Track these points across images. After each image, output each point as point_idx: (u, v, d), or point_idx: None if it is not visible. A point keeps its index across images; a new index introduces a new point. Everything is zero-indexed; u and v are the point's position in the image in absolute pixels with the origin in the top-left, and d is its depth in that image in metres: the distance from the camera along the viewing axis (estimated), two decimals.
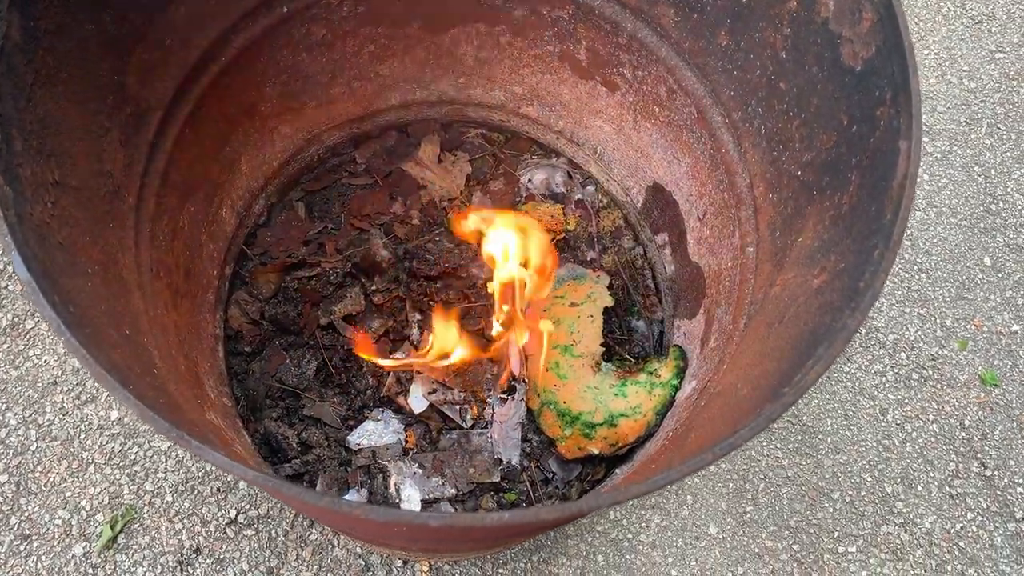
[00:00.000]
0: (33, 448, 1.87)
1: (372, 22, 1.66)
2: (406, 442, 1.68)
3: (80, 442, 1.88)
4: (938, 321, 2.19)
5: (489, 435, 1.69)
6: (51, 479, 1.84)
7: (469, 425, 1.70)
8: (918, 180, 2.43)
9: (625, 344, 1.83)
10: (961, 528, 1.94)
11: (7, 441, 1.87)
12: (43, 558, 1.76)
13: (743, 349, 1.22)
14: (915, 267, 2.28)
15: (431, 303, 1.79)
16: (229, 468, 0.73)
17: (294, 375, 1.71)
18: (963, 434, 2.05)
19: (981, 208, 2.38)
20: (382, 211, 1.90)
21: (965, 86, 2.60)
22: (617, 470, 1.63)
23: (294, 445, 1.64)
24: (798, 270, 1.14)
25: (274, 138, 1.76)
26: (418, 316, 1.78)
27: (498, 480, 1.65)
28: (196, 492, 1.84)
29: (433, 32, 1.72)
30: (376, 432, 1.68)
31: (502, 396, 1.72)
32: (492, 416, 1.71)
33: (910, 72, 0.98)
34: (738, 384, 1.10)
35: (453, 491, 1.63)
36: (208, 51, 1.40)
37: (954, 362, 2.14)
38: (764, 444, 2.00)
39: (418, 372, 1.70)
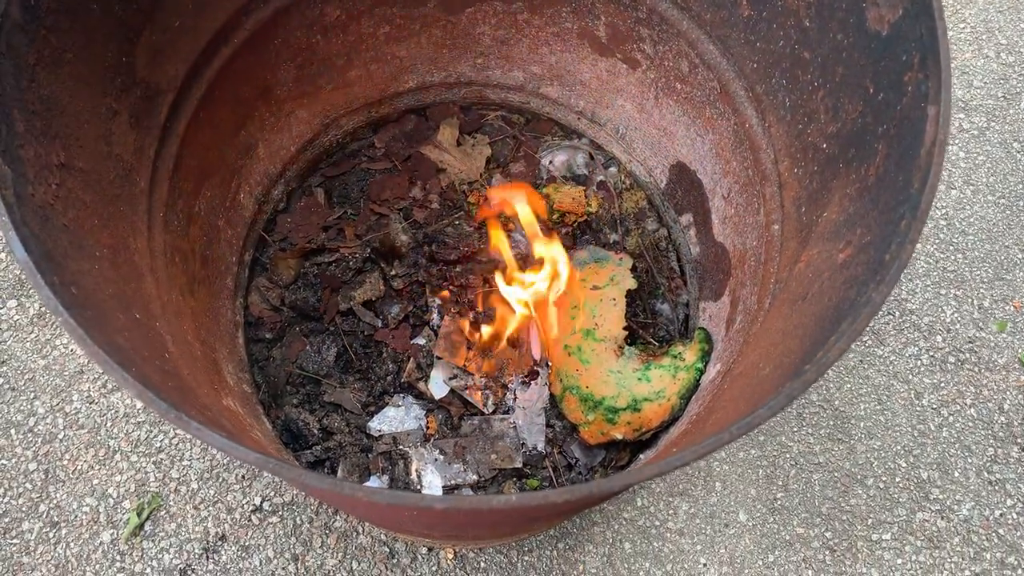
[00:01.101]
0: (61, 436, 1.89)
1: (387, 2, 1.64)
2: (427, 428, 1.67)
3: (107, 430, 1.89)
4: (975, 303, 2.13)
5: (512, 420, 1.68)
6: (78, 467, 1.86)
7: (491, 411, 1.69)
8: (954, 158, 2.36)
9: (649, 327, 1.80)
10: (1000, 515, 1.88)
11: (36, 429, 1.89)
12: (72, 545, 1.78)
13: (766, 328, 1.19)
14: (951, 247, 2.21)
15: (451, 288, 1.78)
16: (222, 446, 0.71)
17: (314, 361, 1.71)
18: (1002, 418, 1.99)
19: (1021, 186, 2.30)
20: (401, 196, 1.89)
21: (1003, 60, 2.51)
22: (641, 455, 1.61)
23: (315, 432, 1.64)
24: (823, 245, 1.10)
25: (291, 122, 1.75)
26: (438, 301, 1.77)
27: (520, 466, 1.64)
28: (221, 480, 1.84)
29: (449, 11, 1.70)
30: (397, 418, 1.67)
31: (524, 380, 1.70)
32: (514, 402, 1.70)
33: (939, 33, 0.93)
34: (760, 364, 1.07)
35: (475, 477, 1.62)
36: (219, 33, 1.39)
37: (992, 344, 2.07)
38: (795, 429, 1.95)
39: (439, 357, 1.70)
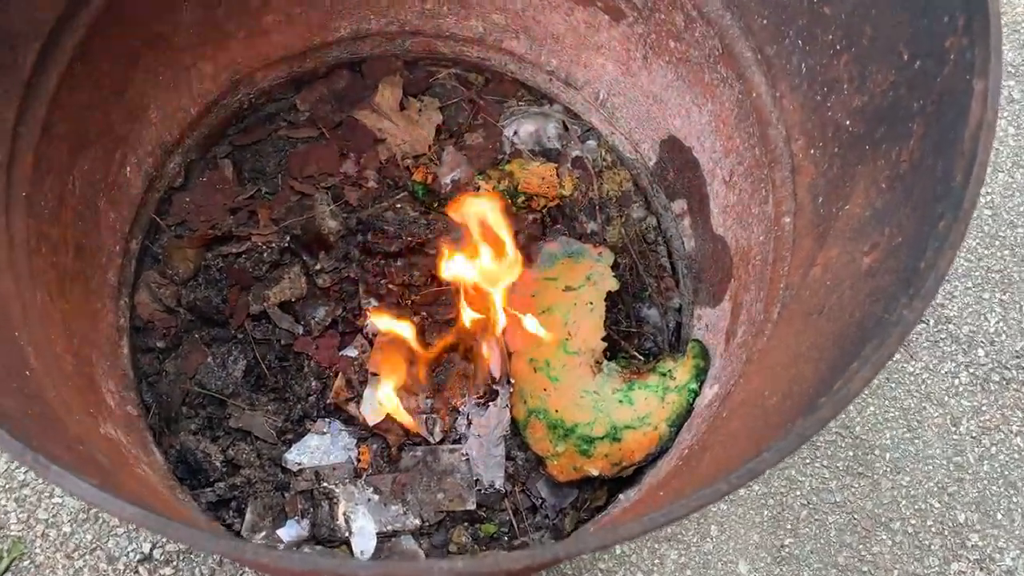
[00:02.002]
0: None
1: None
2: (359, 461, 1.66)
3: None
4: None
5: (464, 451, 1.67)
6: None
7: (438, 439, 1.68)
8: (1001, 134, 2.39)
9: (633, 338, 1.80)
10: None
11: None
12: None
13: (774, 346, 1.20)
14: (996, 242, 2.23)
15: (391, 287, 1.76)
16: (91, 499, 0.69)
17: (218, 377, 1.69)
18: None
19: None
20: (329, 171, 1.88)
21: None
22: (621, 495, 1.61)
23: (217, 465, 1.62)
24: (844, 246, 1.11)
25: (191, 78, 1.72)
26: (374, 302, 1.75)
27: (474, 508, 1.63)
28: (101, 521, 1.81)
29: None
30: (321, 448, 1.66)
31: (480, 402, 1.70)
32: (467, 428, 1.69)
33: None
34: (766, 391, 1.07)
35: (417, 522, 1.61)
36: None
37: None
38: (807, 462, 1.97)
39: (375, 373, 1.69)
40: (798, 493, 1.95)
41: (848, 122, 1.20)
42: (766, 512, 1.92)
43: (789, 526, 1.91)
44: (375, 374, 1.69)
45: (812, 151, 1.30)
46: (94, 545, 1.79)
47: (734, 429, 1.12)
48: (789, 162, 1.38)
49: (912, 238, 0.93)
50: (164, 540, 1.79)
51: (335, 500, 1.62)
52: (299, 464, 1.64)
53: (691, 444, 1.41)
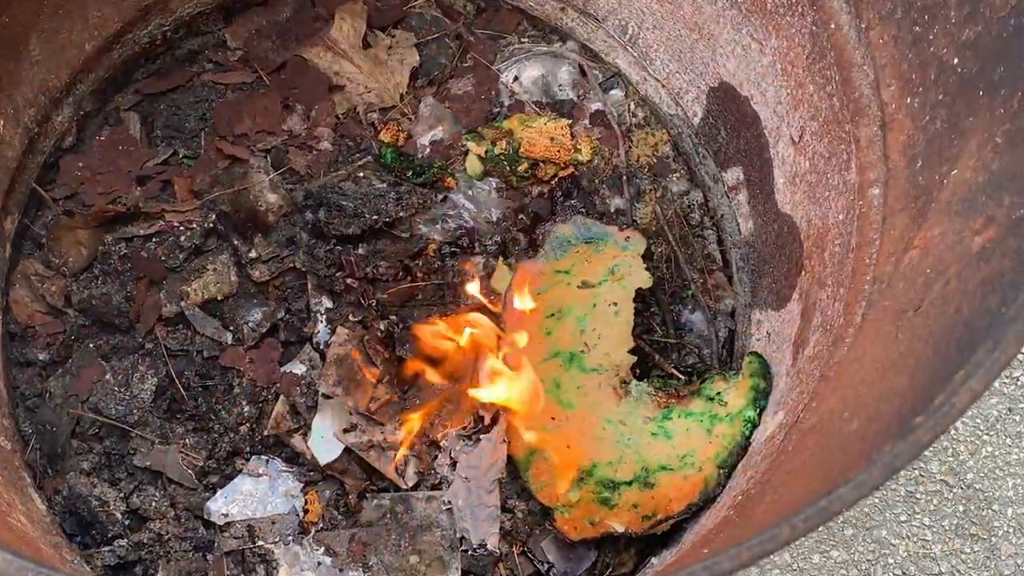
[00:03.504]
0: None
1: None
2: (305, 512, 1.66)
3: None
4: None
5: (446, 500, 1.68)
6: None
7: (411, 484, 1.68)
8: None
9: (671, 351, 1.81)
10: None
11: None
12: None
13: (856, 356, 1.20)
14: None
15: (350, 281, 1.77)
16: None
17: (119, 400, 1.69)
18: None
19: None
20: (269, 128, 1.88)
21: None
22: (655, 559, 1.61)
23: (118, 516, 1.62)
24: (950, 222, 1.11)
25: (86, 4, 1.72)
26: (327, 303, 1.77)
27: (459, 575, 1.64)
28: None
29: None
30: (255, 495, 1.66)
31: (468, 435, 1.71)
32: (450, 470, 1.70)
33: None
34: (845, 413, 1.08)
35: None
36: None
37: None
38: (903, 519, 1.98)
39: (328, 396, 1.69)
40: (891, 561, 1.95)
41: (956, 60, 1.20)
42: None
43: None
44: (328, 396, 1.69)
45: (909, 99, 1.30)
46: None
47: (801, 464, 1.13)
48: (878, 115, 1.37)
49: None
50: None
51: (274, 564, 1.61)
52: (226, 516, 1.64)
53: (747, 489, 1.41)
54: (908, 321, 1.09)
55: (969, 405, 0.81)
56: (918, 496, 2.02)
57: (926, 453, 2.02)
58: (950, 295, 1.03)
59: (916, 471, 2.02)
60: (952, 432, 2.03)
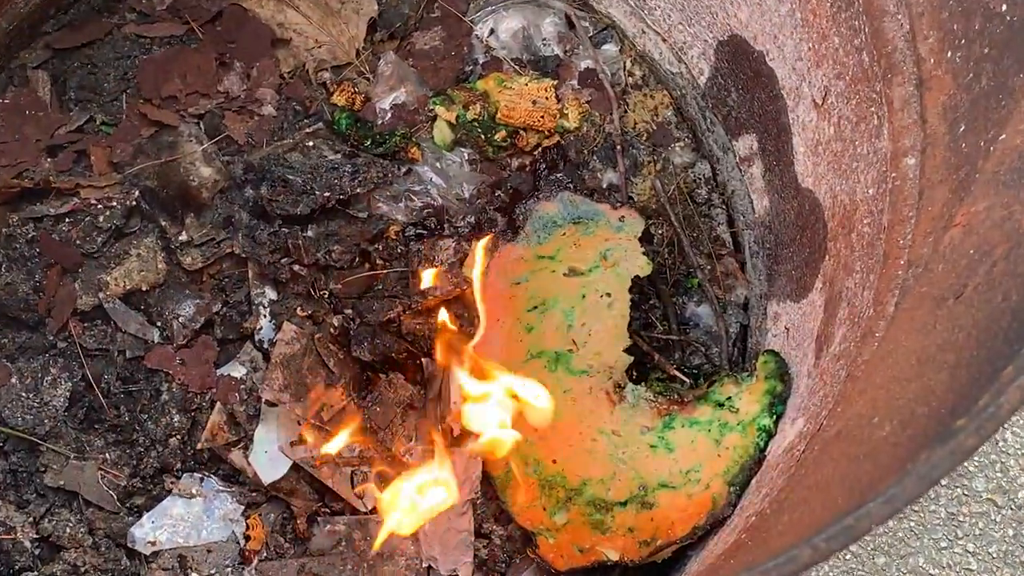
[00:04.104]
0: None
1: None
2: (247, 539, 1.66)
3: None
4: None
5: None
6: None
7: (371, 506, 1.68)
8: None
9: (673, 349, 1.81)
10: None
11: None
12: None
13: (888, 352, 1.19)
14: None
15: (298, 268, 1.77)
16: None
17: (27, 408, 1.68)
18: None
19: None
20: (202, 90, 1.87)
21: None
22: None
23: (26, 545, 1.62)
24: (997, 195, 1.10)
25: None
26: (271, 295, 1.76)
27: None
28: None
29: None
30: (188, 520, 1.66)
31: (431, 449, 1.69)
32: None
33: None
34: (875, 417, 1.07)
35: None
36: None
37: None
38: (943, 546, 1.98)
39: (272, 403, 1.69)
40: None
41: (1004, 7, 1.19)
42: None
43: None
44: (272, 404, 1.69)
45: (949, 54, 1.29)
46: None
47: (824, 478, 1.12)
48: (914, 72, 1.37)
49: None
50: None
51: None
52: (154, 544, 1.64)
53: (761, 509, 1.40)
54: (948, 310, 1.08)
55: (1019, 406, 0.80)
56: (961, 518, 2.03)
57: (970, 468, 2.03)
58: (997, 279, 1.02)
59: (959, 489, 2.03)
60: (1000, 443, 2.04)
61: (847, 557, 1.96)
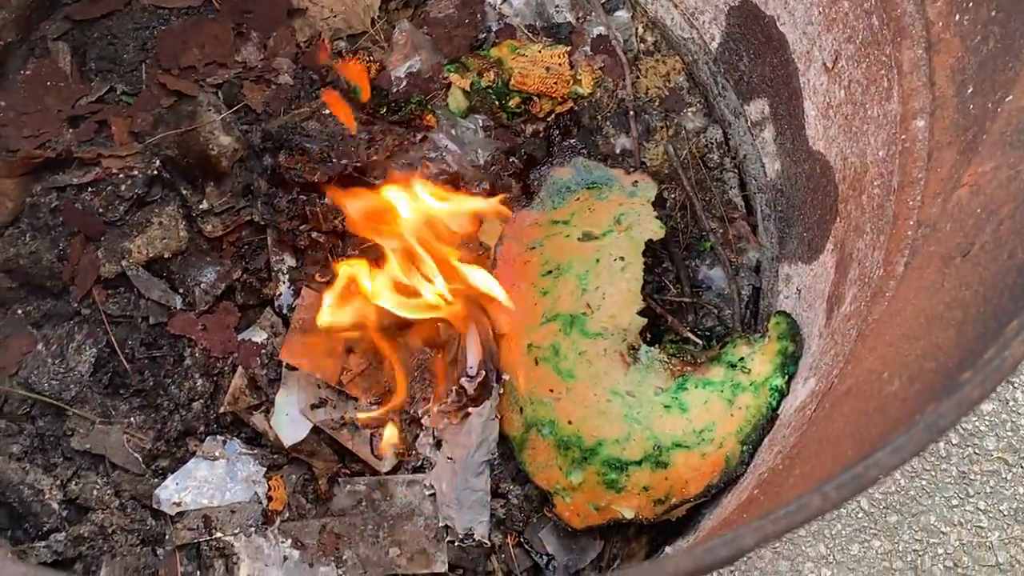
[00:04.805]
0: None
1: None
2: (269, 500, 1.67)
3: None
4: None
5: (428, 485, 1.69)
6: None
7: (390, 467, 1.69)
8: None
9: (687, 312, 1.82)
10: None
11: None
12: None
13: (898, 310, 1.20)
14: None
15: (315, 235, 1.78)
16: None
17: (53, 374, 1.69)
18: None
19: None
20: (220, 60, 1.88)
21: None
22: (668, 548, 1.61)
23: (54, 507, 1.63)
24: (1004, 155, 1.11)
25: None
26: (290, 261, 1.77)
27: (445, 570, 1.64)
28: None
29: None
30: (212, 481, 1.67)
31: (452, 409, 1.71)
32: (434, 450, 1.71)
33: None
34: (884, 373, 1.08)
35: None
36: None
37: None
38: (954, 504, 1.98)
39: (293, 367, 1.70)
40: (940, 551, 1.96)
41: None
42: None
43: None
44: (293, 368, 1.70)
45: (957, 16, 1.30)
46: None
47: (835, 433, 1.13)
48: (923, 35, 1.37)
49: None
50: None
51: (234, 559, 1.63)
52: (178, 505, 1.65)
53: (775, 466, 1.41)
54: (956, 268, 1.09)
55: (1023, 359, 0.82)
56: (972, 477, 2.03)
57: (982, 428, 2.02)
58: (1003, 237, 1.03)
59: (970, 448, 2.02)
60: (1010, 402, 2.04)
61: (859, 515, 1.96)
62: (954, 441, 2.00)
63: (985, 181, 1.15)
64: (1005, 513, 1.99)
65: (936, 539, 1.97)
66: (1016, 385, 2.04)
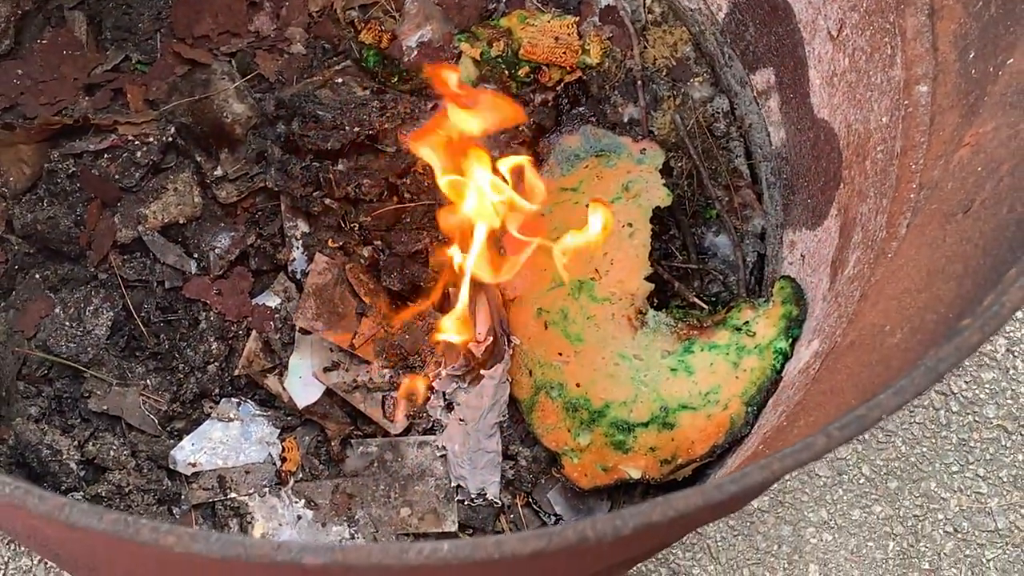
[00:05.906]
0: None
1: None
2: (283, 461, 1.69)
3: None
4: None
5: (440, 446, 1.71)
6: None
7: (401, 429, 1.71)
8: None
9: (693, 277, 1.83)
10: None
11: None
12: None
13: (899, 267, 1.22)
14: None
15: (329, 202, 1.79)
16: None
17: (71, 337, 1.71)
18: None
19: None
20: (234, 29, 1.89)
21: None
22: None
23: (72, 467, 1.64)
24: (1004, 116, 1.13)
25: None
26: (303, 227, 1.80)
27: (456, 530, 1.66)
28: None
29: None
30: (227, 442, 1.69)
31: (463, 373, 1.73)
32: (445, 412, 1.73)
33: None
34: (886, 326, 1.10)
35: None
36: None
37: None
38: (954, 471, 1.99)
39: (307, 331, 1.72)
40: (940, 517, 1.99)
41: None
42: (891, 545, 1.97)
43: (927, 565, 1.95)
44: (306, 332, 1.72)
45: None
46: None
47: (838, 384, 1.15)
48: (926, 2, 1.39)
49: None
50: None
51: (248, 519, 1.65)
52: (194, 465, 1.67)
53: (778, 424, 1.44)
54: (957, 224, 1.11)
55: (1020, 304, 0.84)
56: (972, 444, 2.05)
57: (981, 396, 2.03)
58: (1003, 193, 1.05)
59: (970, 416, 2.03)
60: (1011, 371, 2.06)
61: (861, 481, 1.97)
62: (954, 409, 2.01)
63: (986, 140, 1.17)
64: (1004, 480, 2.00)
65: (936, 505, 1.98)
66: (1016, 354, 2.05)
